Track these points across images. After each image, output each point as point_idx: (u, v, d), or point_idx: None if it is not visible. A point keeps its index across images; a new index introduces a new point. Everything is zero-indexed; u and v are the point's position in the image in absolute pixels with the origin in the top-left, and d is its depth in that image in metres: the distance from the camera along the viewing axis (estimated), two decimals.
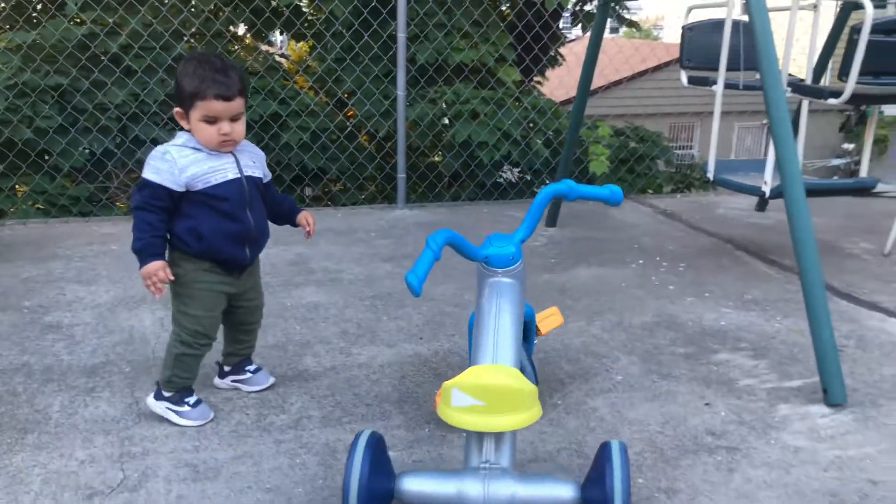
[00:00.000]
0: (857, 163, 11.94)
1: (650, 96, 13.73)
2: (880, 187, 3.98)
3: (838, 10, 4.03)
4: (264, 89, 5.08)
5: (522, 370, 2.04)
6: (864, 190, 3.28)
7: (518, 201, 5.32)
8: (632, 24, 6.40)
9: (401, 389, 2.36)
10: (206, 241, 2.04)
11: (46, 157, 4.74)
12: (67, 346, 2.65)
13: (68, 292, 3.20)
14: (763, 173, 3.23)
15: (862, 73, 2.77)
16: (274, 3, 5.43)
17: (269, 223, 2.23)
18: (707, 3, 3.71)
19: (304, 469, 1.92)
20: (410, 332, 2.83)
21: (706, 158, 3.58)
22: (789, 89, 3.04)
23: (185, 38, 5.28)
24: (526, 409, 1.55)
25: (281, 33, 6.42)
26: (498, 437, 1.62)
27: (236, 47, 5.74)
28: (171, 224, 2.04)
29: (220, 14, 5.43)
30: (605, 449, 1.60)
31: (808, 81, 3.31)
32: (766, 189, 3.18)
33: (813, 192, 3.21)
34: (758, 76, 3.14)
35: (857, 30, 2.71)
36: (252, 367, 2.36)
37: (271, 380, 2.37)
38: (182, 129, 2.04)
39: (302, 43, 6.40)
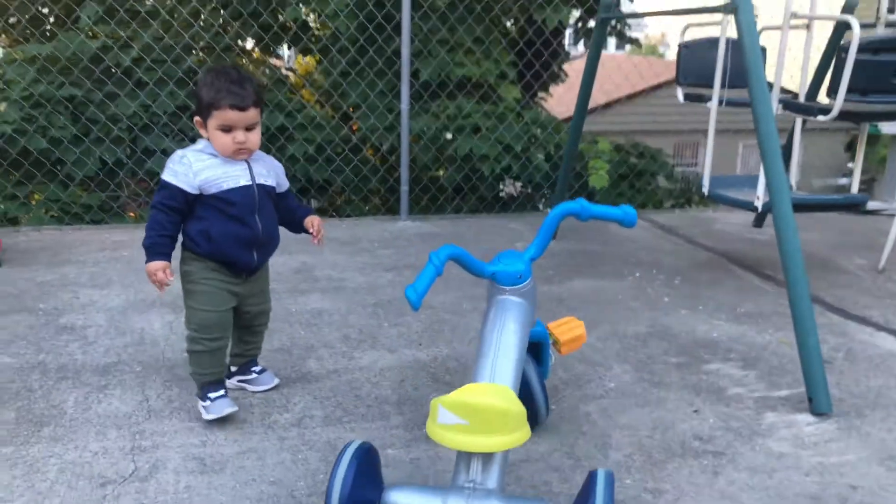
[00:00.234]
0: (864, 182, 12.02)
1: (655, 114, 13.85)
2: (874, 205, 4.07)
3: (833, 28, 4.13)
4: (271, 102, 5.20)
5: (530, 394, 2.05)
6: (855, 205, 3.37)
7: (519, 214, 5.42)
8: (631, 40, 6.52)
9: (400, 392, 2.45)
10: (215, 243, 2.13)
11: (60, 167, 4.86)
12: (81, 347, 2.75)
13: (82, 296, 3.30)
14: (756, 188, 3.33)
15: (850, 90, 2.87)
16: (282, 18, 5.56)
17: (287, 230, 2.34)
18: (702, 21, 3.82)
19: (306, 464, 2.01)
20: (410, 338, 2.92)
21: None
22: (780, 106, 3.14)
23: (195, 52, 5.41)
24: (510, 431, 1.51)
25: (289, 48, 6.56)
26: (486, 457, 1.60)
27: (245, 61, 5.87)
28: (185, 225, 2.15)
29: (230, 28, 5.57)
30: (591, 477, 1.58)
31: (802, 99, 3.41)
32: (759, 203, 3.27)
33: (804, 206, 3.31)
34: None
35: (844, 48, 2.81)
36: (258, 368, 2.45)
37: (276, 381, 2.46)
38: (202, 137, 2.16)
39: (309, 57, 6.53)
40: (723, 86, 3.34)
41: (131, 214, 5.23)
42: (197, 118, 2.14)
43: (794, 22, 3.19)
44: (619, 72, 9.21)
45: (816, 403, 2.34)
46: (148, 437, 2.13)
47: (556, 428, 2.23)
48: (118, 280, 3.53)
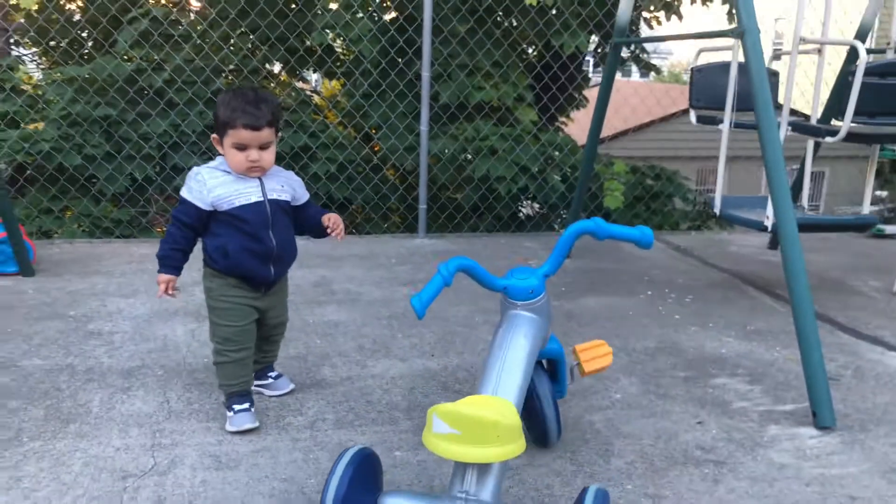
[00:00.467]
0: (892, 210, 11.88)
1: (679, 139, 13.86)
2: (890, 229, 4.09)
3: (847, 52, 4.18)
4: (296, 122, 5.36)
5: (542, 414, 2.08)
6: (865, 226, 3.40)
7: (535, 233, 5.50)
8: (648, 66, 6.60)
9: (410, 399, 2.53)
10: (232, 259, 2.21)
11: (93, 183, 5.05)
12: (107, 351, 2.87)
13: (109, 304, 3.44)
14: (766, 209, 3.38)
15: (858, 113, 2.93)
16: (308, 43, 5.74)
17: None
18: (716, 45, 3.90)
19: (317, 463, 2.09)
20: (422, 348, 3.00)
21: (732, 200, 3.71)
22: (790, 128, 3.20)
23: (224, 74, 5.61)
24: (501, 444, 1.52)
25: (314, 71, 6.75)
26: (481, 469, 1.61)
27: (273, 84, 6.07)
28: (204, 242, 2.24)
29: (258, 52, 5.77)
30: (582, 494, 1.60)
31: (814, 121, 3.46)
32: (768, 223, 3.32)
33: (814, 227, 3.36)
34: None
35: (851, 72, 2.87)
36: (274, 374, 2.54)
37: (291, 386, 2.55)
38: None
39: (335, 82, 6.72)
40: (741, 109, 3.41)
41: (159, 230, 5.40)
42: (214, 136, 2.21)
43: (804, 47, 3.26)
44: (645, 98, 9.30)
45: (820, 418, 2.37)
46: (167, 435, 2.23)
47: (562, 436, 2.29)
48: (144, 290, 3.66)
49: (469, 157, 5.36)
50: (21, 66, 5.62)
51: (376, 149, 5.77)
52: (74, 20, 5.94)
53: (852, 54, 4.08)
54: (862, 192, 3.71)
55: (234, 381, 2.28)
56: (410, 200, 5.55)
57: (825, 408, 2.38)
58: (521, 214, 5.93)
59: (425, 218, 5.13)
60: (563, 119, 7.15)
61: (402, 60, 5.41)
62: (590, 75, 7.09)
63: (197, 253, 2.28)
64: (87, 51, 5.82)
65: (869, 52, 3.93)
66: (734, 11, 2.68)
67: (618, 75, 4.16)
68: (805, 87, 3.82)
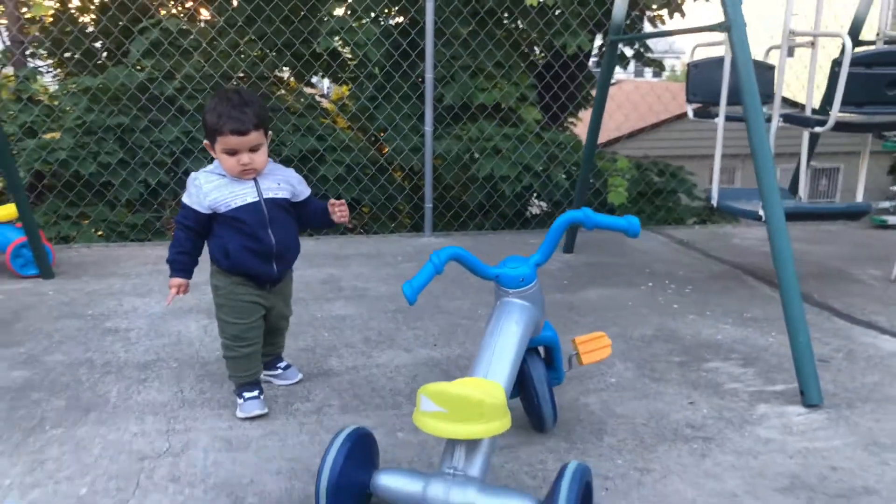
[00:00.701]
0: None
1: (691, 138, 13.85)
2: (893, 220, 4.14)
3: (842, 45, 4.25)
4: (303, 126, 5.50)
5: (536, 399, 2.15)
6: (857, 214, 3.47)
7: (540, 230, 5.59)
8: (650, 62, 6.67)
9: (413, 386, 2.64)
10: (233, 258, 2.28)
11: (108, 189, 5.21)
12: (124, 346, 3.00)
13: (125, 303, 3.58)
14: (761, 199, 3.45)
15: (847, 103, 3.00)
16: (314, 47, 5.88)
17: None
18: (713, 40, 3.98)
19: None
20: (426, 339, 3.11)
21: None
22: (781, 119, 3.28)
23: (233, 81, 5.76)
24: (485, 421, 1.58)
25: (322, 77, 6.89)
26: (470, 446, 1.67)
27: (281, 90, 6.21)
28: (209, 243, 2.33)
29: (266, 58, 5.91)
30: (561, 470, 1.64)
31: (808, 112, 3.53)
32: (762, 213, 3.38)
33: (807, 215, 3.43)
34: (763, 109, 3.40)
35: (838, 63, 2.95)
36: (283, 364, 2.66)
37: (299, 376, 2.66)
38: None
39: (344, 87, 6.86)
40: (735, 102, 3.48)
41: (172, 233, 5.54)
42: (206, 141, 2.27)
43: (799, 40, 3.34)
44: (661, 96, 9.35)
45: (807, 396, 2.45)
46: (181, 421, 2.35)
47: (557, 421, 2.38)
48: (158, 290, 3.80)
49: (475, 156, 5.47)
50: (38, 77, 5.79)
51: (383, 150, 5.89)
52: (88, 31, 6.12)
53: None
54: (883, 188, 3.77)
55: (243, 373, 2.38)
56: (417, 200, 5.67)
57: (812, 386, 2.46)
58: (528, 213, 6.02)
59: (431, 217, 5.24)
60: (571, 120, 7.23)
61: (406, 63, 5.53)
62: (594, 74, 7.16)
63: (205, 253, 2.39)
64: (100, 61, 5.99)
65: (863, 43, 4.01)
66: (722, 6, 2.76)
67: (629, 75, 4.25)
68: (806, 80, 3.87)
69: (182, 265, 2.33)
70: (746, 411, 2.44)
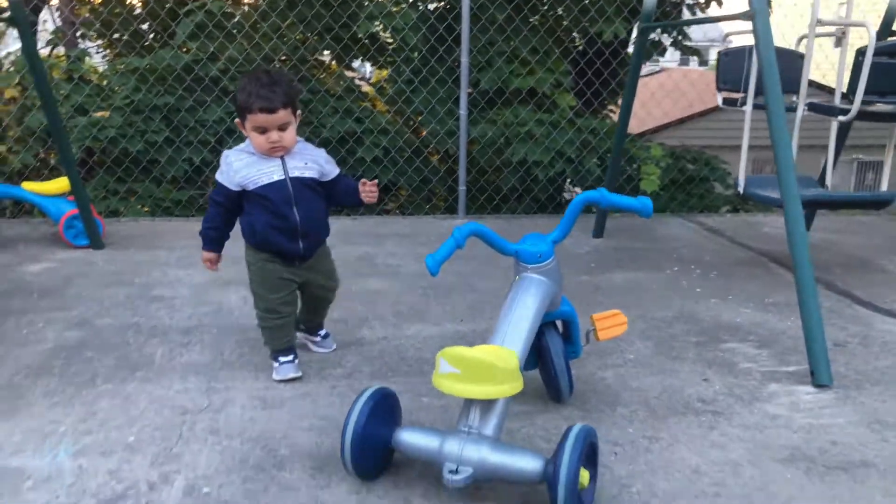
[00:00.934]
0: None
1: (737, 128, 13.65)
2: None
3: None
4: (342, 109, 5.66)
5: (553, 371, 2.26)
6: (882, 203, 3.49)
7: None
8: (686, 49, 6.66)
9: None
10: (259, 235, 2.40)
11: (154, 166, 5.44)
12: (168, 313, 3.20)
13: (170, 274, 3.79)
14: None
15: (870, 92, 3.04)
16: (354, 30, 6.02)
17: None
18: (743, 29, 4.01)
19: None
20: (454, 314, 3.24)
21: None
22: (806, 108, 3.32)
23: (275, 63, 5.94)
24: (497, 383, 1.71)
25: (363, 61, 7.04)
26: (484, 406, 1.78)
27: (323, 74, 6.37)
28: (240, 219, 2.45)
29: (307, 41, 6.08)
30: (567, 430, 1.73)
31: (837, 101, 3.56)
32: None
33: (832, 203, 3.45)
34: (794, 98, 3.45)
35: (862, 52, 2.99)
36: (323, 332, 2.80)
37: (334, 346, 2.81)
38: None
39: (384, 71, 7.00)
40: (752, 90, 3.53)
41: None
42: (237, 120, 2.36)
43: (822, 30, 3.37)
44: (710, 84, 9.27)
45: (817, 376, 2.53)
46: (221, 381, 2.53)
47: (574, 387, 2.50)
48: (200, 263, 3.95)
49: (509, 140, 5.56)
50: (88, 58, 6.05)
51: (419, 134, 6.02)
52: (136, 14, 6.35)
53: (880, 36, 4.16)
54: None
55: (278, 341, 2.53)
56: (451, 183, 5.79)
57: (822, 367, 2.53)
58: (561, 198, 6.10)
59: (465, 199, 5.37)
60: (611, 107, 7.26)
61: (443, 48, 5.64)
62: (629, 61, 7.17)
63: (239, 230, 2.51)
64: (147, 42, 6.22)
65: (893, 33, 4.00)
66: None
67: (674, 63, 4.30)
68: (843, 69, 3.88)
69: (211, 240, 2.50)
70: (757, 389, 2.53)
